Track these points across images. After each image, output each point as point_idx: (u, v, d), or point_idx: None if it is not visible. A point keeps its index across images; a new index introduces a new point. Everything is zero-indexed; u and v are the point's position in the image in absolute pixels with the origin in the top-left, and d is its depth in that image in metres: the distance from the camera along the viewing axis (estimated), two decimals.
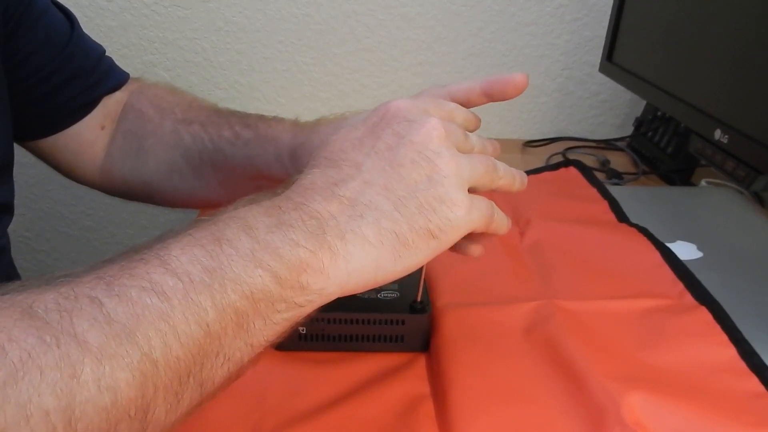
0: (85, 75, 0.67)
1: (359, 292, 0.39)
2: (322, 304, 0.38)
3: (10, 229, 0.68)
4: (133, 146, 0.69)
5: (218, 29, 1.12)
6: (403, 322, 0.53)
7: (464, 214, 0.40)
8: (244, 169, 0.63)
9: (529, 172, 0.90)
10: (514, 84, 0.48)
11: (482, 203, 0.42)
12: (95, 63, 0.69)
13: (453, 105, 0.46)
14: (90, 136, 0.69)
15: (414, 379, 0.51)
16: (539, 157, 1.06)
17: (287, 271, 0.35)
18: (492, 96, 0.49)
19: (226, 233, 0.34)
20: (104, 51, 0.71)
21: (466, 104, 0.48)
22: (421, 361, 0.53)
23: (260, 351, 0.36)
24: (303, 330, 0.53)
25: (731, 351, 0.52)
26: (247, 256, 0.34)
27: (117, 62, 0.73)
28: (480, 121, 0.48)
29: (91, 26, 1.10)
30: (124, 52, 1.12)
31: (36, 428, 0.26)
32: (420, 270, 0.59)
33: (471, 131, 0.46)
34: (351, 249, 0.37)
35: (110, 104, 0.71)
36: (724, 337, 0.53)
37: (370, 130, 0.42)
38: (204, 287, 0.32)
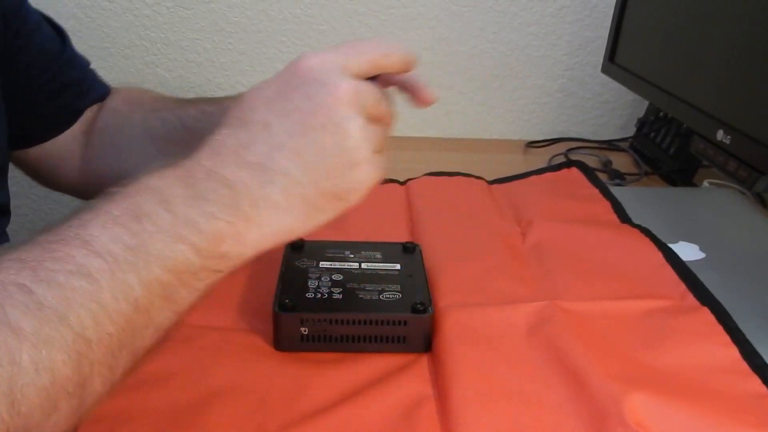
0: (75, 86, 0.70)
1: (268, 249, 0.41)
2: (239, 265, 0.40)
3: (11, 229, 0.68)
4: (107, 142, 0.70)
5: (220, 30, 1.12)
6: (405, 323, 0.53)
7: (367, 176, 0.42)
8: None
9: (531, 173, 0.90)
10: (424, 98, 0.48)
11: (380, 160, 0.43)
12: (83, 74, 0.72)
13: (377, 54, 0.45)
14: (74, 143, 0.71)
15: (416, 379, 0.51)
16: (541, 157, 1.06)
17: (207, 242, 0.37)
18: (404, 90, 0.49)
19: (144, 208, 0.36)
20: (89, 63, 0.73)
21: (387, 77, 0.47)
22: (423, 362, 0.53)
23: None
24: (305, 331, 0.53)
25: (733, 352, 0.52)
26: (168, 232, 0.35)
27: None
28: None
29: (93, 27, 1.11)
30: (126, 52, 1.12)
31: None
32: (422, 271, 0.59)
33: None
34: (264, 215, 0.39)
35: (90, 111, 0.73)
36: (726, 338, 0.53)
37: (280, 89, 0.42)
38: (129, 266, 0.33)
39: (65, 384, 0.30)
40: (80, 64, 0.71)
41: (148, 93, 0.73)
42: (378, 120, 0.44)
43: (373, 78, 0.45)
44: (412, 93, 0.48)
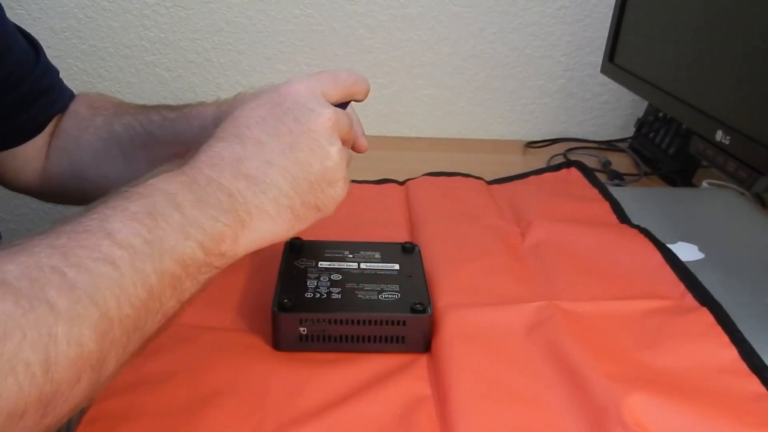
0: (47, 94, 0.72)
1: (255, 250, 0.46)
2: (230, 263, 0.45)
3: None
4: (68, 144, 0.72)
5: (220, 30, 1.12)
6: (404, 323, 0.53)
7: (342, 191, 0.49)
8: (173, 146, 0.66)
9: (530, 173, 0.90)
10: (361, 147, 0.58)
11: (348, 177, 0.50)
12: (54, 83, 0.74)
13: (350, 83, 0.52)
14: (40, 147, 0.72)
15: (415, 380, 0.51)
16: (541, 158, 1.06)
17: (210, 242, 0.42)
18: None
19: (158, 208, 0.40)
20: (59, 72, 0.75)
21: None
22: (422, 362, 0.53)
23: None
24: (304, 331, 0.53)
25: (732, 352, 0.52)
26: (179, 230, 0.40)
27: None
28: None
29: (92, 27, 1.11)
30: (125, 52, 1.13)
31: (20, 377, 0.30)
32: (421, 271, 0.59)
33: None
34: (256, 222, 0.45)
35: (56, 116, 0.74)
36: (725, 338, 0.53)
37: (272, 111, 0.48)
38: (146, 257, 0.38)
39: (90, 358, 0.34)
40: (52, 73, 0.74)
41: (109, 98, 0.76)
42: (347, 142, 0.51)
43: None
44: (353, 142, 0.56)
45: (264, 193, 0.45)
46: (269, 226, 0.46)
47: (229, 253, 0.43)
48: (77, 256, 0.35)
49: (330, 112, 0.48)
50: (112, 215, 0.39)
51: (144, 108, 0.71)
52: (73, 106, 0.74)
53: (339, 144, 0.48)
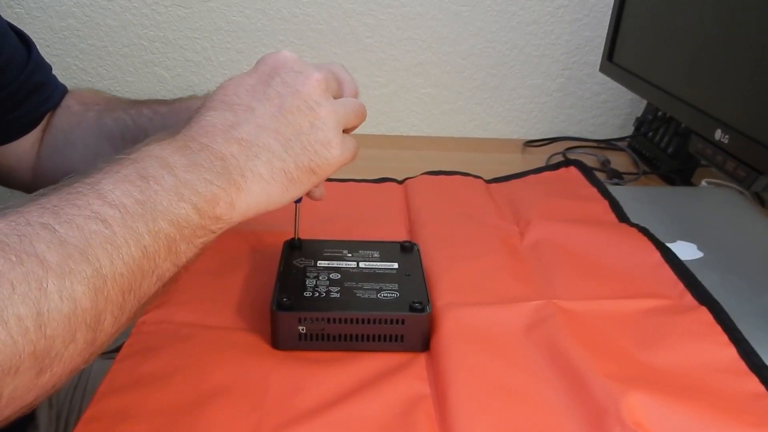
0: (40, 91, 0.72)
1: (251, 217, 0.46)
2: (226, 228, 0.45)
3: None
4: (60, 139, 0.72)
5: (219, 29, 1.12)
6: (403, 322, 0.53)
7: (339, 153, 0.49)
8: None
9: (529, 172, 0.90)
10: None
11: (350, 142, 0.51)
12: (47, 79, 0.73)
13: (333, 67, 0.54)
14: (32, 144, 0.72)
15: (414, 378, 0.51)
16: (540, 157, 1.06)
17: (205, 204, 0.42)
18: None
19: (149, 171, 0.40)
20: (51, 68, 0.75)
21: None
22: (421, 361, 0.53)
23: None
24: (303, 330, 0.53)
25: (731, 351, 0.52)
26: (171, 191, 0.40)
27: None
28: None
29: (91, 25, 1.11)
30: (125, 51, 1.12)
31: (12, 331, 0.30)
32: (420, 270, 0.59)
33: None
34: (250, 185, 0.45)
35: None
36: (725, 337, 0.53)
37: (261, 78, 0.49)
38: (139, 216, 0.38)
39: (84, 315, 0.34)
40: (44, 70, 0.73)
41: (101, 94, 0.76)
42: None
43: None
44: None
45: (257, 156, 0.45)
46: (264, 190, 0.46)
47: (225, 216, 0.43)
48: (68, 214, 0.35)
49: (318, 74, 0.49)
50: (104, 178, 0.39)
51: (135, 102, 0.71)
52: (65, 102, 0.74)
53: (328, 105, 0.49)
